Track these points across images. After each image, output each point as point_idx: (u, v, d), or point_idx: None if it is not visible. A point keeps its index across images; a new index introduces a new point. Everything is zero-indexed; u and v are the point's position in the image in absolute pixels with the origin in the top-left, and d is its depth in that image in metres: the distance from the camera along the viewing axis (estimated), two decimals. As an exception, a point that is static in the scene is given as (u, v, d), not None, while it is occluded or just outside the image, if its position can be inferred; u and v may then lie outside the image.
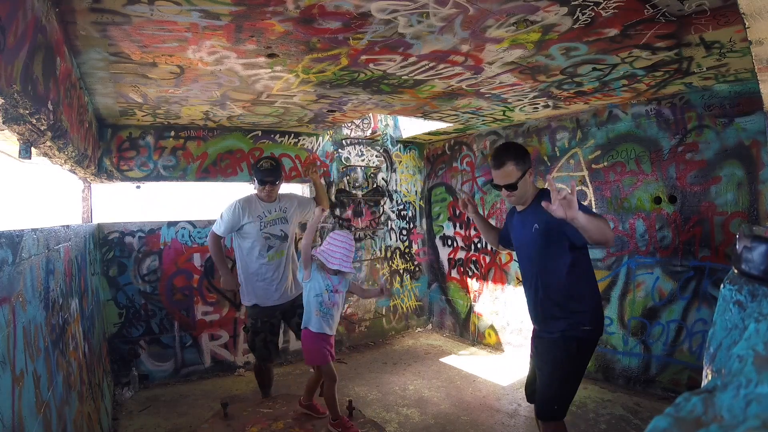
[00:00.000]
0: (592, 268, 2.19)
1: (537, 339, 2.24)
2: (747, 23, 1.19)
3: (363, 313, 5.11)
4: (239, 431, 2.62)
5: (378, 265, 5.23)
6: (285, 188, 5.24)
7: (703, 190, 3.18)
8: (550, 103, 3.56)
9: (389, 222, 5.35)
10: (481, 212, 4.86)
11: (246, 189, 4.06)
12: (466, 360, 4.46)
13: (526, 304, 2.32)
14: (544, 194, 2.08)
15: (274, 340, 3.21)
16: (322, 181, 3.40)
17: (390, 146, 5.38)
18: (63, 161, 2.33)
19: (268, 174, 3.09)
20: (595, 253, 3.58)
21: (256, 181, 3.15)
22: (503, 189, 2.16)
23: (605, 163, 3.72)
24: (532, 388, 2.29)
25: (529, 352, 2.35)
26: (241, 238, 3.15)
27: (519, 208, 2.26)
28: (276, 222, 3.19)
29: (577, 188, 3.85)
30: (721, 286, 0.67)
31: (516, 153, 2.12)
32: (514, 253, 4.52)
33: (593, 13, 1.91)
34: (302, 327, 2.73)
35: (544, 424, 2.10)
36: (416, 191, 5.61)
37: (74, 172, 3.01)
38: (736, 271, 0.66)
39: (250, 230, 3.11)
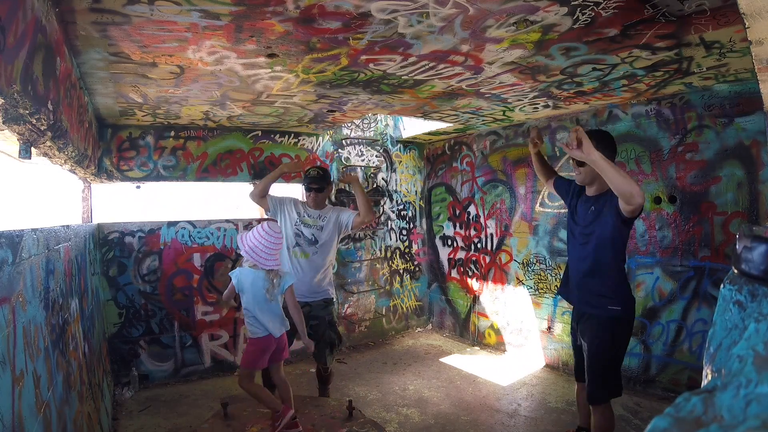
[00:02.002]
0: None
1: (578, 317, 2.43)
2: (747, 23, 1.19)
3: (363, 313, 5.11)
4: (239, 431, 2.62)
5: (378, 265, 5.23)
6: (285, 188, 5.27)
7: (703, 190, 3.18)
8: (550, 103, 3.56)
9: (389, 222, 5.35)
10: (481, 213, 4.87)
11: (246, 189, 4.06)
12: (466, 360, 4.46)
13: (564, 279, 2.55)
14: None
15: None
16: (361, 181, 3.29)
17: (390, 146, 5.38)
18: (63, 161, 2.33)
19: (314, 181, 3.19)
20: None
21: (303, 187, 3.28)
22: (574, 163, 2.36)
23: (605, 163, 3.72)
24: (578, 369, 2.52)
25: (571, 332, 2.57)
26: (281, 219, 3.28)
27: (589, 191, 2.39)
28: (310, 226, 3.24)
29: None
30: (721, 286, 0.67)
31: (602, 136, 2.30)
32: (514, 254, 4.53)
33: (593, 13, 1.91)
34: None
35: (593, 407, 2.32)
36: (416, 191, 5.61)
37: (74, 172, 3.01)
38: (736, 271, 0.66)
39: (287, 219, 3.24)
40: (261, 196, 3.24)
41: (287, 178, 4.61)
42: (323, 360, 3.24)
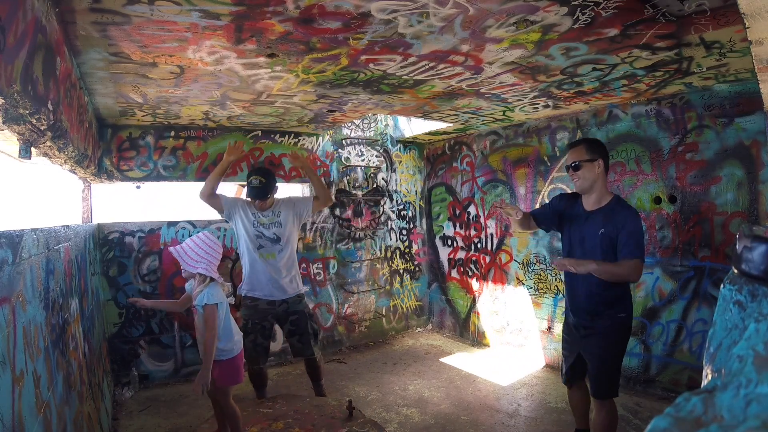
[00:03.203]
0: None
1: (583, 329, 2.41)
2: (747, 23, 1.19)
3: (363, 313, 5.11)
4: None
5: (378, 265, 5.23)
6: (285, 189, 5.26)
7: (703, 190, 3.18)
8: (550, 103, 3.56)
9: (389, 222, 5.35)
10: (481, 213, 4.87)
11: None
12: (466, 360, 4.46)
13: (568, 298, 2.52)
14: (618, 203, 2.33)
15: (264, 343, 3.22)
16: (318, 174, 3.23)
17: (390, 146, 5.38)
18: (63, 161, 2.33)
19: (255, 194, 3.14)
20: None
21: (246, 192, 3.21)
22: (570, 169, 2.39)
23: (605, 163, 3.72)
24: (572, 374, 2.54)
25: (564, 344, 2.58)
26: (237, 229, 3.26)
27: (588, 206, 2.40)
28: (270, 226, 3.22)
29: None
30: (721, 286, 0.67)
31: (591, 142, 2.40)
32: (514, 254, 4.53)
33: (593, 13, 1.91)
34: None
35: (601, 402, 2.37)
36: (416, 191, 5.61)
37: (74, 172, 3.01)
38: (736, 271, 0.66)
39: (242, 227, 3.22)
40: (210, 195, 3.14)
41: (287, 178, 4.62)
42: (310, 352, 3.26)
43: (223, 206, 3.21)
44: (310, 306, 4.69)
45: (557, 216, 2.56)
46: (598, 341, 2.35)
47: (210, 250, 2.37)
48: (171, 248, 2.40)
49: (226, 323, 2.43)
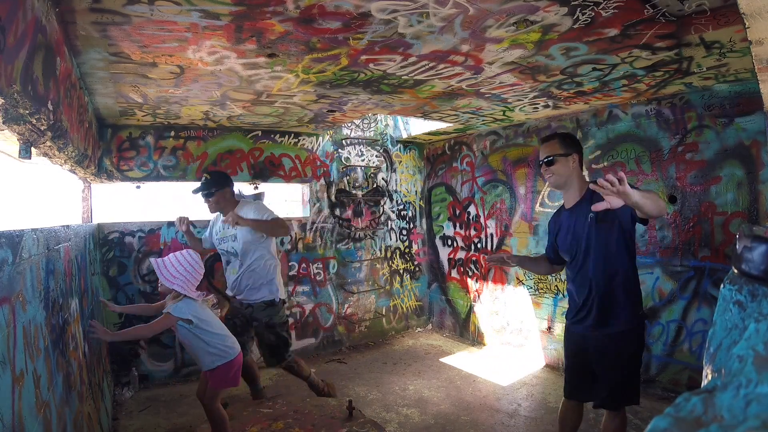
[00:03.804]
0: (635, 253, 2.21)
1: (593, 339, 2.17)
2: (747, 23, 1.19)
3: (363, 313, 5.11)
4: (239, 431, 2.62)
5: (378, 265, 5.23)
6: (285, 189, 5.26)
7: (703, 190, 3.18)
8: (550, 103, 3.56)
9: (389, 222, 5.35)
10: (482, 213, 4.87)
11: (246, 189, 4.06)
12: (466, 360, 4.46)
13: (574, 303, 2.28)
14: (595, 192, 2.01)
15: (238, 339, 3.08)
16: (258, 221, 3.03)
17: (390, 146, 5.38)
18: (63, 161, 2.33)
19: (197, 189, 3.12)
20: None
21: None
22: (543, 165, 2.24)
23: (605, 163, 3.72)
24: (577, 386, 2.32)
25: (567, 352, 2.37)
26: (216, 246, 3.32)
27: (569, 203, 2.27)
28: (226, 239, 3.17)
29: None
30: (721, 286, 0.67)
31: (565, 136, 2.26)
32: (514, 253, 4.52)
33: (593, 13, 1.91)
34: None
35: (612, 413, 2.18)
36: (416, 191, 5.61)
37: (74, 172, 3.01)
38: (736, 271, 0.66)
39: (214, 244, 3.30)
40: (199, 250, 3.07)
41: (287, 178, 4.63)
42: (270, 364, 3.24)
43: (207, 245, 3.35)
44: (310, 306, 4.70)
45: (555, 233, 2.38)
46: (613, 349, 2.12)
47: (190, 269, 2.37)
48: (153, 260, 2.40)
49: (206, 337, 2.41)
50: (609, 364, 2.14)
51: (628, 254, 2.12)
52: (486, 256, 2.68)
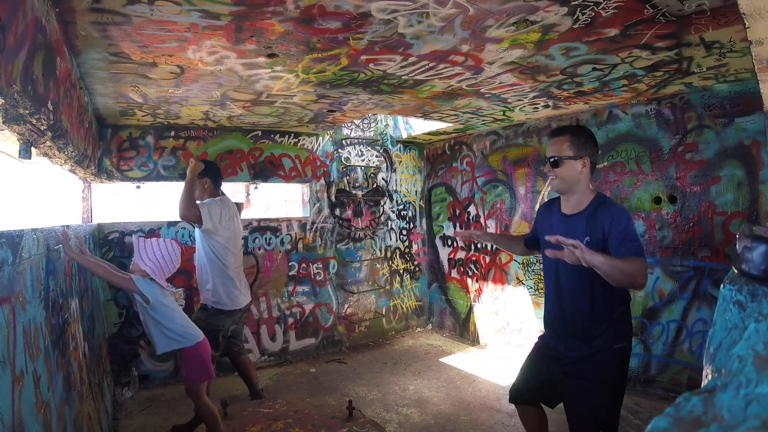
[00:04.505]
0: None
1: (566, 362, 1.95)
2: (747, 23, 1.19)
3: (363, 313, 5.11)
4: (239, 431, 2.62)
5: (378, 265, 5.23)
6: (285, 189, 5.26)
7: (703, 190, 3.18)
8: (550, 103, 3.56)
9: (389, 222, 5.35)
10: (482, 213, 4.87)
11: (244, 190, 4.06)
12: (466, 360, 4.46)
13: (546, 316, 2.11)
14: (602, 203, 1.87)
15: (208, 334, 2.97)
16: (195, 166, 3.01)
17: (390, 146, 5.38)
18: (63, 161, 2.33)
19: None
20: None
21: None
22: (547, 164, 1.92)
23: (605, 163, 3.72)
24: (524, 391, 2.23)
25: (531, 355, 2.22)
26: None
27: (567, 209, 1.97)
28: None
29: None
30: (721, 286, 0.67)
31: (579, 133, 1.91)
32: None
33: (593, 13, 1.91)
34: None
35: None
36: (416, 191, 5.61)
37: (74, 172, 3.01)
38: (736, 271, 0.66)
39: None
40: (192, 212, 2.95)
41: (287, 178, 4.63)
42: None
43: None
44: (310, 306, 4.70)
45: (540, 230, 2.12)
46: (587, 384, 1.88)
47: (168, 259, 2.35)
48: (135, 237, 2.38)
49: (163, 321, 2.38)
50: (585, 401, 1.93)
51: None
52: (457, 230, 2.51)
